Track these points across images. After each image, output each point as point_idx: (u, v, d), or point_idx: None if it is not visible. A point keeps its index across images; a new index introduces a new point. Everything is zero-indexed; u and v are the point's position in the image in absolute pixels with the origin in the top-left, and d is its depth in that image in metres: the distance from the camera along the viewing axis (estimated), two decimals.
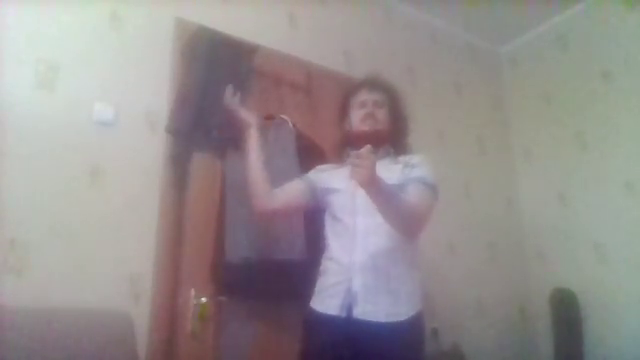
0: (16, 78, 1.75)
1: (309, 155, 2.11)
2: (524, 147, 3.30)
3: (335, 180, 1.66)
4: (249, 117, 1.82)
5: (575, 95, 3.03)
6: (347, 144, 1.72)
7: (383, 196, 1.39)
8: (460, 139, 3.09)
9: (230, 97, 1.86)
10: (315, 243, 1.76)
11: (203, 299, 1.84)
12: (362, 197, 1.45)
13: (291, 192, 1.70)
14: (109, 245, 1.78)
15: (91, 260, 1.74)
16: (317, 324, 1.51)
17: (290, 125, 2.15)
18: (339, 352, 1.41)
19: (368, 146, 1.29)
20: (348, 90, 1.80)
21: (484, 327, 2.76)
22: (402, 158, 1.63)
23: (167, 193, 1.93)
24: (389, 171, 1.42)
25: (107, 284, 1.74)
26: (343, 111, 1.77)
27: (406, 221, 1.48)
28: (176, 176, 1.95)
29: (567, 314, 2.78)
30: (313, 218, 1.83)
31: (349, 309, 1.44)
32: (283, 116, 2.18)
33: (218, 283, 1.90)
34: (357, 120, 1.69)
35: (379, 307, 1.43)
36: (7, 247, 1.61)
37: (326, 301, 1.50)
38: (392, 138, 1.67)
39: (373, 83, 1.77)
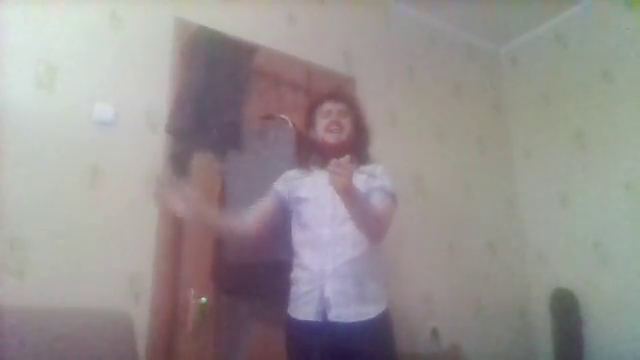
0: (16, 78, 1.76)
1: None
2: (524, 147, 3.29)
3: (303, 189, 1.72)
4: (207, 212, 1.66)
5: (575, 95, 3.03)
6: (313, 152, 1.82)
7: (357, 203, 1.50)
8: (460, 139, 3.09)
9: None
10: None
11: (203, 299, 1.84)
12: (331, 207, 1.60)
13: (262, 211, 1.74)
14: (109, 245, 1.78)
15: (91, 260, 1.74)
16: (297, 331, 1.60)
17: (290, 125, 2.15)
18: (321, 354, 1.52)
19: (347, 156, 1.40)
20: (313, 100, 1.90)
21: (484, 327, 2.76)
22: (365, 168, 1.71)
23: None
24: (354, 180, 1.48)
25: (107, 284, 1.74)
26: (309, 119, 1.85)
27: (374, 226, 1.60)
28: (176, 176, 1.95)
29: (567, 314, 2.78)
30: None
31: (324, 314, 1.54)
32: (283, 116, 2.18)
33: (218, 283, 1.90)
34: (323, 128, 1.77)
35: (350, 309, 1.54)
36: (7, 247, 1.61)
37: (302, 308, 1.59)
38: (356, 148, 1.76)
39: (338, 94, 1.89)
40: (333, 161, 1.39)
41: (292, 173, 1.82)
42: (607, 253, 2.72)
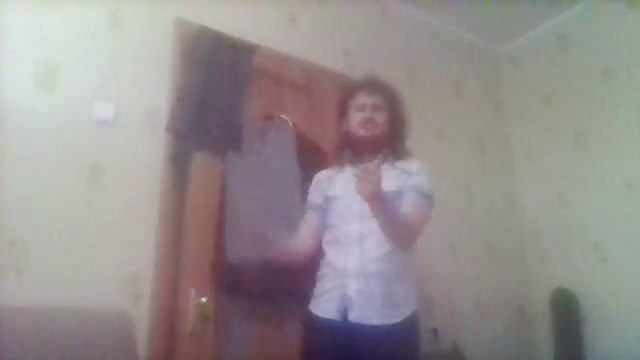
0: (16, 78, 1.76)
1: (309, 155, 2.11)
2: (524, 147, 3.29)
3: (333, 187, 1.68)
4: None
5: (575, 95, 3.03)
6: (346, 147, 1.74)
7: (385, 211, 1.43)
8: (460, 139, 3.09)
9: None
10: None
11: (203, 299, 1.84)
12: (358, 203, 1.49)
13: (312, 227, 1.70)
14: (109, 245, 1.78)
15: (91, 260, 1.74)
16: (316, 328, 1.55)
17: (290, 125, 2.15)
18: (337, 355, 1.46)
19: (376, 161, 1.33)
20: (347, 91, 1.79)
21: (484, 327, 2.76)
22: (400, 163, 1.64)
23: (167, 193, 1.93)
24: (387, 177, 1.42)
25: (107, 284, 1.74)
26: (341, 112, 1.76)
27: (402, 234, 1.53)
28: (176, 176, 1.95)
29: (567, 314, 2.78)
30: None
31: (345, 313, 1.48)
32: (283, 116, 2.18)
33: (218, 283, 1.90)
34: (356, 123, 1.68)
35: (374, 310, 1.47)
36: (7, 247, 1.61)
37: (323, 305, 1.54)
38: (390, 142, 1.67)
39: (372, 85, 1.76)
40: (361, 166, 1.33)
41: (322, 175, 1.77)
42: (607, 253, 2.72)
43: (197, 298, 1.84)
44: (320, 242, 1.67)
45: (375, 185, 1.31)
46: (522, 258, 3.14)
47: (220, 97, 2.02)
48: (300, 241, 1.68)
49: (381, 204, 1.39)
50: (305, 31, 2.56)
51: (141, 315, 1.75)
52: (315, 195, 1.74)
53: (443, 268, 2.72)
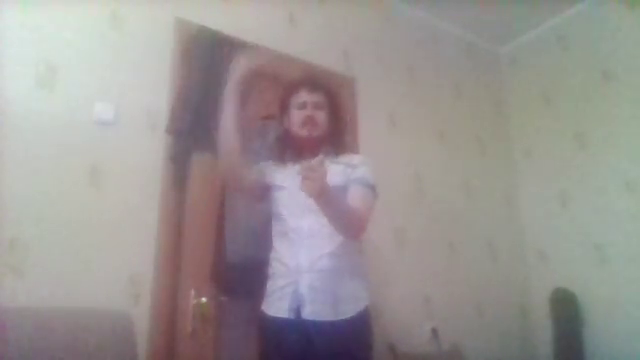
0: (16, 78, 1.75)
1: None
2: (524, 147, 3.30)
3: (279, 177, 1.67)
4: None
5: (575, 95, 3.03)
6: (286, 144, 1.76)
7: (331, 205, 1.42)
8: (460, 139, 3.09)
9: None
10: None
11: (203, 299, 1.84)
12: (306, 199, 1.47)
13: (259, 174, 1.69)
14: (109, 245, 1.78)
15: (91, 260, 1.74)
16: (269, 327, 1.54)
17: None
18: (292, 353, 1.46)
19: (320, 157, 1.32)
20: (288, 88, 1.79)
21: (484, 327, 2.76)
22: (342, 158, 1.65)
23: (167, 193, 1.93)
24: (332, 172, 1.42)
25: (107, 284, 1.74)
26: (283, 108, 1.77)
27: (351, 225, 1.52)
28: (176, 176, 1.95)
29: (567, 314, 2.78)
30: None
31: (297, 311, 1.48)
32: None
33: (218, 283, 1.90)
34: (297, 121, 1.68)
35: (326, 307, 1.48)
36: (7, 247, 1.61)
37: (275, 304, 1.54)
38: (331, 139, 1.69)
39: (313, 84, 1.76)
40: (304, 164, 1.31)
41: (266, 163, 1.77)
42: (607, 253, 2.72)
43: (197, 298, 1.84)
44: (257, 191, 1.68)
45: (320, 182, 1.30)
46: (522, 258, 3.14)
47: (220, 97, 2.02)
48: (250, 174, 1.67)
49: (327, 199, 1.38)
50: (305, 31, 2.56)
51: (141, 315, 1.75)
52: (263, 168, 1.73)
53: (443, 268, 2.72)
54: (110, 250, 1.78)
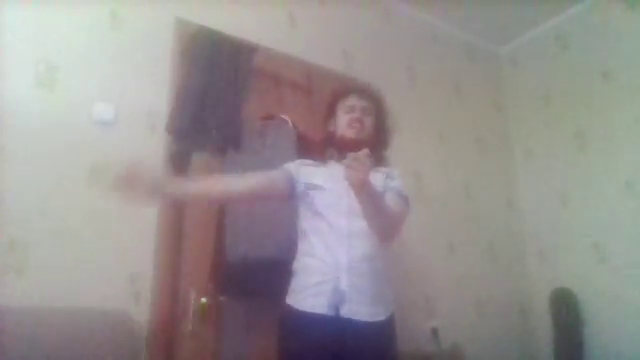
0: (16, 78, 1.76)
1: (309, 155, 2.11)
2: (524, 147, 3.30)
3: (318, 177, 1.66)
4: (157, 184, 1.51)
5: (575, 95, 3.03)
6: (331, 145, 1.76)
7: (372, 200, 1.43)
8: (460, 139, 3.09)
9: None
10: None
11: (203, 299, 1.84)
12: (348, 199, 1.51)
13: (267, 179, 1.66)
14: (109, 245, 1.78)
15: (91, 260, 1.74)
16: (302, 323, 1.50)
17: (290, 125, 2.15)
18: (326, 350, 1.44)
19: (366, 150, 1.32)
20: (338, 92, 1.82)
21: (484, 327, 2.76)
22: (382, 169, 1.67)
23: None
24: (373, 178, 1.42)
25: (107, 284, 1.74)
26: (330, 111, 1.79)
27: (387, 227, 1.54)
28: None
29: (567, 314, 2.78)
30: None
31: (336, 308, 1.47)
32: (283, 116, 2.18)
33: (218, 283, 1.90)
34: (344, 123, 1.71)
35: (364, 307, 1.48)
36: (7, 247, 1.61)
37: (310, 300, 1.50)
38: (375, 148, 1.68)
39: (363, 90, 1.81)
40: (350, 155, 1.31)
41: (306, 161, 1.75)
42: (607, 253, 2.72)
43: (197, 298, 1.84)
44: (257, 190, 1.64)
45: (364, 173, 1.31)
46: (522, 258, 3.14)
47: (220, 97, 2.02)
48: (249, 181, 1.63)
49: (369, 192, 1.39)
50: (305, 31, 2.56)
51: (141, 315, 1.75)
52: (295, 168, 1.70)
53: (443, 268, 2.72)
54: (110, 250, 1.78)
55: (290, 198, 1.68)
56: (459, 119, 3.12)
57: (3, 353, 1.33)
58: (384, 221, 1.51)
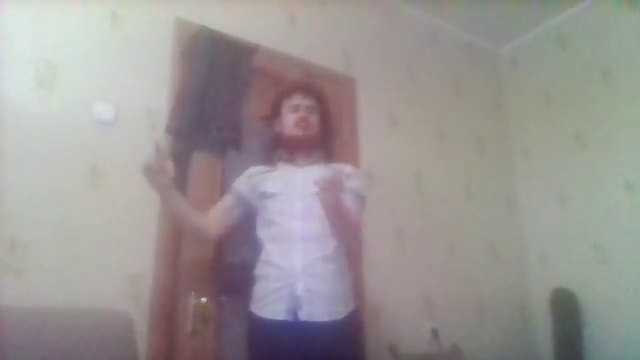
0: (16, 78, 1.75)
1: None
2: (524, 147, 3.30)
3: (270, 183, 1.69)
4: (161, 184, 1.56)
5: (575, 95, 3.03)
6: (278, 147, 1.80)
7: (340, 214, 1.52)
8: (460, 139, 3.09)
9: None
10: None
11: (203, 299, 1.84)
12: (300, 202, 1.59)
13: (223, 212, 1.74)
14: (109, 245, 1.78)
15: (91, 260, 1.74)
16: (264, 330, 1.54)
17: None
18: (289, 354, 1.48)
19: (337, 174, 1.43)
20: (282, 91, 1.85)
21: (484, 327, 2.76)
22: (333, 165, 1.70)
23: None
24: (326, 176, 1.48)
25: (107, 284, 1.74)
26: (275, 113, 1.82)
27: (348, 230, 1.63)
28: (176, 176, 1.94)
29: (567, 314, 2.78)
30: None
31: (294, 313, 1.50)
32: None
33: (218, 283, 1.90)
34: (290, 123, 1.74)
35: (321, 308, 1.51)
36: (7, 247, 1.61)
37: (270, 307, 1.54)
38: (322, 144, 1.75)
39: (307, 88, 1.85)
40: (325, 177, 1.40)
41: (256, 169, 1.79)
42: (607, 253, 2.72)
43: (197, 298, 1.84)
44: (226, 229, 1.72)
45: (337, 194, 1.41)
46: (522, 258, 3.14)
47: (220, 97, 2.02)
48: (209, 222, 1.70)
49: (340, 211, 1.48)
50: (305, 31, 2.56)
51: (141, 315, 1.74)
52: (242, 185, 1.76)
53: (443, 268, 2.72)
54: (110, 250, 1.78)
55: (249, 216, 1.74)
56: (459, 119, 3.12)
57: (3, 353, 1.33)
58: (347, 228, 1.60)
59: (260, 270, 1.64)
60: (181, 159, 1.96)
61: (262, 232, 1.67)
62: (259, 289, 1.61)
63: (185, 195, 1.93)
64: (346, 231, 1.60)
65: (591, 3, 3.02)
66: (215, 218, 1.71)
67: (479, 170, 3.12)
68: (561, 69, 3.15)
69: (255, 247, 1.76)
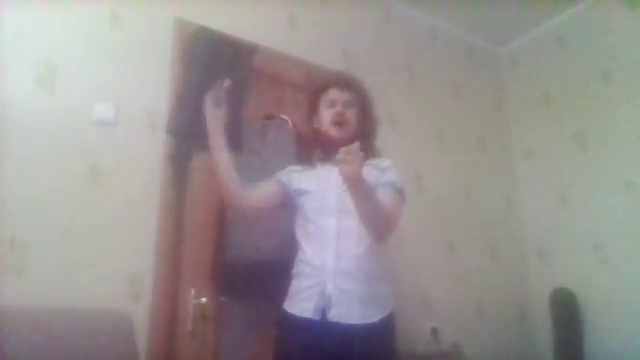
0: (16, 78, 1.75)
1: (309, 155, 2.11)
2: (524, 147, 3.29)
3: (305, 181, 1.66)
4: (217, 117, 1.68)
5: (575, 95, 3.03)
6: (316, 145, 1.75)
7: (365, 194, 1.42)
8: (460, 139, 3.09)
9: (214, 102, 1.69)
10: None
11: (203, 299, 1.84)
12: (335, 199, 1.53)
13: (266, 192, 1.69)
14: (109, 245, 1.78)
15: (91, 260, 1.74)
16: (292, 327, 1.51)
17: (290, 125, 2.15)
18: (315, 355, 1.44)
19: (357, 143, 1.32)
20: (318, 86, 1.78)
21: (484, 327, 2.76)
22: (371, 161, 1.62)
23: (167, 193, 1.93)
24: (365, 173, 1.41)
25: (107, 284, 1.74)
26: (312, 108, 1.75)
27: (380, 222, 1.51)
28: (176, 176, 1.95)
29: (567, 314, 2.78)
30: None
31: (323, 312, 1.46)
32: (283, 116, 2.18)
33: (218, 283, 1.90)
34: (327, 119, 1.68)
35: (353, 310, 1.46)
36: (7, 247, 1.61)
37: (300, 304, 1.51)
38: (362, 140, 1.62)
39: (344, 82, 1.76)
40: (343, 149, 1.31)
41: (295, 167, 1.76)
42: (607, 253, 2.72)
43: (197, 298, 1.84)
44: (267, 203, 1.68)
45: (357, 165, 1.30)
46: (522, 258, 3.14)
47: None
48: (248, 193, 1.65)
49: (362, 186, 1.38)
50: (305, 31, 2.56)
51: (141, 315, 1.75)
52: (286, 176, 1.72)
53: (443, 268, 2.72)
54: (110, 250, 1.78)
55: (284, 207, 1.69)
56: (459, 119, 3.12)
57: (3, 353, 1.33)
58: (377, 217, 1.48)
59: (296, 268, 1.60)
60: (181, 159, 1.96)
61: (299, 231, 1.64)
62: (293, 286, 1.58)
63: (185, 195, 1.94)
64: (377, 221, 1.48)
65: (591, 3, 3.02)
66: (260, 192, 1.67)
67: (479, 170, 3.12)
68: (561, 69, 3.15)
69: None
